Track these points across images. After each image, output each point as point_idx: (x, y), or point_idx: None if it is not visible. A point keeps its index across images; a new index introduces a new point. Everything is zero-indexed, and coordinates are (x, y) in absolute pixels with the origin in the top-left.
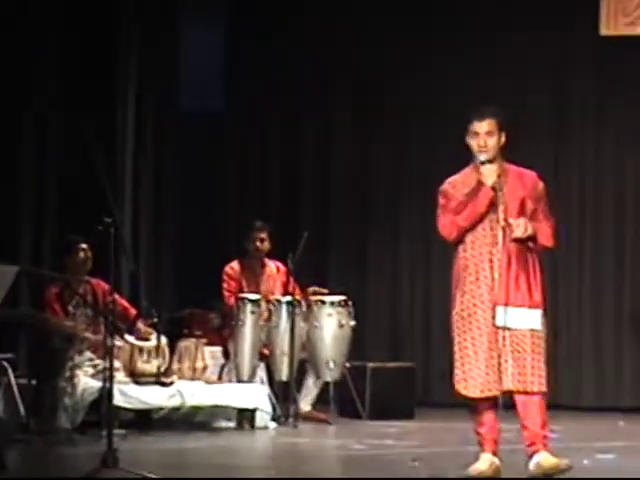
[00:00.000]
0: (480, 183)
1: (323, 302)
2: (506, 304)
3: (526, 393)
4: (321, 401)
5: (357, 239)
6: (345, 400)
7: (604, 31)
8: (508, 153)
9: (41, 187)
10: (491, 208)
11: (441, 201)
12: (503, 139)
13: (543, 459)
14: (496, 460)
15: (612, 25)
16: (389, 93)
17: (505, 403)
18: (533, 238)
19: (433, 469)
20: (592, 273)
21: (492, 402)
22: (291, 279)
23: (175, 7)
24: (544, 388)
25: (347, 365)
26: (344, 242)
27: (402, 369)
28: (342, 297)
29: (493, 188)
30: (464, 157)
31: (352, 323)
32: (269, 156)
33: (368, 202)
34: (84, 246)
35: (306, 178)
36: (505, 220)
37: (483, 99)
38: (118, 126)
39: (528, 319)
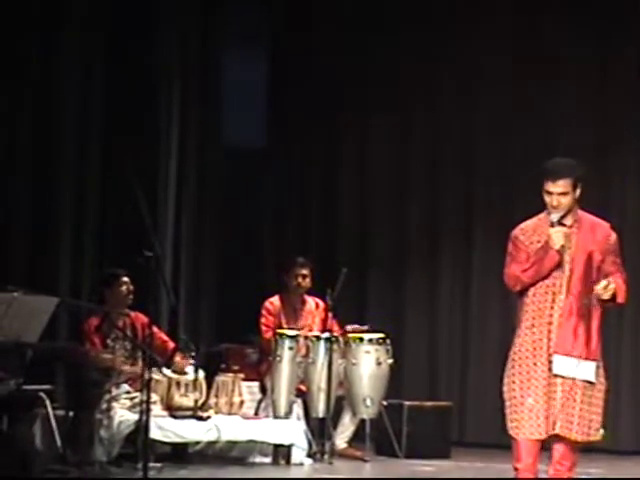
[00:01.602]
0: (547, 245)
1: (361, 339)
2: (564, 354)
3: (570, 441)
4: (357, 439)
5: (395, 276)
6: (381, 438)
7: None
8: None
9: (81, 219)
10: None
11: (510, 248)
12: (578, 193)
13: None
14: None
15: None
16: (430, 128)
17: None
18: (613, 297)
19: None
20: (632, 315)
21: (535, 444)
22: (329, 315)
23: (218, 41)
24: (588, 438)
25: (384, 403)
26: (382, 279)
27: (439, 408)
28: (380, 335)
29: (559, 251)
30: (500, 196)
31: (390, 361)
32: (309, 191)
33: (407, 239)
34: (126, 279)
35: (346, 214)
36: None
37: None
38: (161, 160)
39: (583, 370)
